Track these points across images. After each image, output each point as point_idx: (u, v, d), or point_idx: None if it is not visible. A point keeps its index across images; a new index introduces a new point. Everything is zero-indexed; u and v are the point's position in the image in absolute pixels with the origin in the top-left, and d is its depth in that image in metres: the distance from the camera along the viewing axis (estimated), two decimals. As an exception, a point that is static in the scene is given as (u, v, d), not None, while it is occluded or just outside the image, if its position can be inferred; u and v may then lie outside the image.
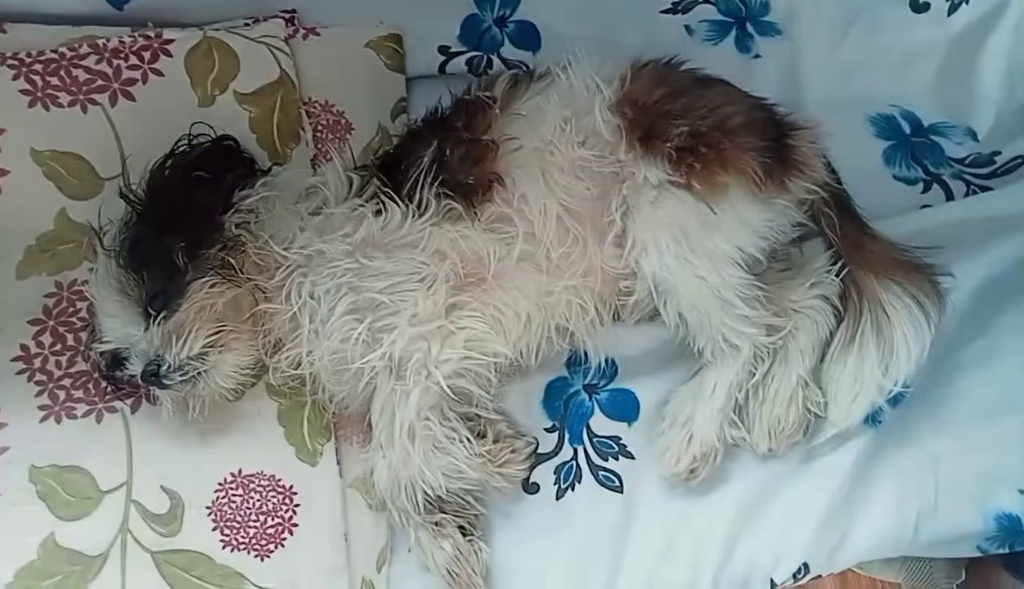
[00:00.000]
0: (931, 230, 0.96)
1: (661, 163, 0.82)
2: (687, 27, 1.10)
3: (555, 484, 0.90)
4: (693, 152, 0.82)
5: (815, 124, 0.88)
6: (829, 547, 0.88)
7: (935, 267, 0.88)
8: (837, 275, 0.88)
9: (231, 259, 0.82)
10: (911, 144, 1.07)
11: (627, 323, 0.92)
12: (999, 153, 1.05)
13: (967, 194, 1.04)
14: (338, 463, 0.89)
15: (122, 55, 0.94)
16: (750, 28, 1.10)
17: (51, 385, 0.86)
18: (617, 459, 0.91)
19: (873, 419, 0.88)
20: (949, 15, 1.07)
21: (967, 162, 1.06)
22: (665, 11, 1.10)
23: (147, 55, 0.95)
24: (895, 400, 0.87)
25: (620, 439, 0.92)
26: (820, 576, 0.89)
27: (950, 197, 1.05)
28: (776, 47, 1.10)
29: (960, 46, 1.07)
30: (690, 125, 0.82)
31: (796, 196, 0.86)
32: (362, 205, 0.83)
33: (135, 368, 0.80)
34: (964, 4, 1.06)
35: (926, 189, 1.05)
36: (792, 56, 1.09)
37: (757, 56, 1.10)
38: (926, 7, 1.07)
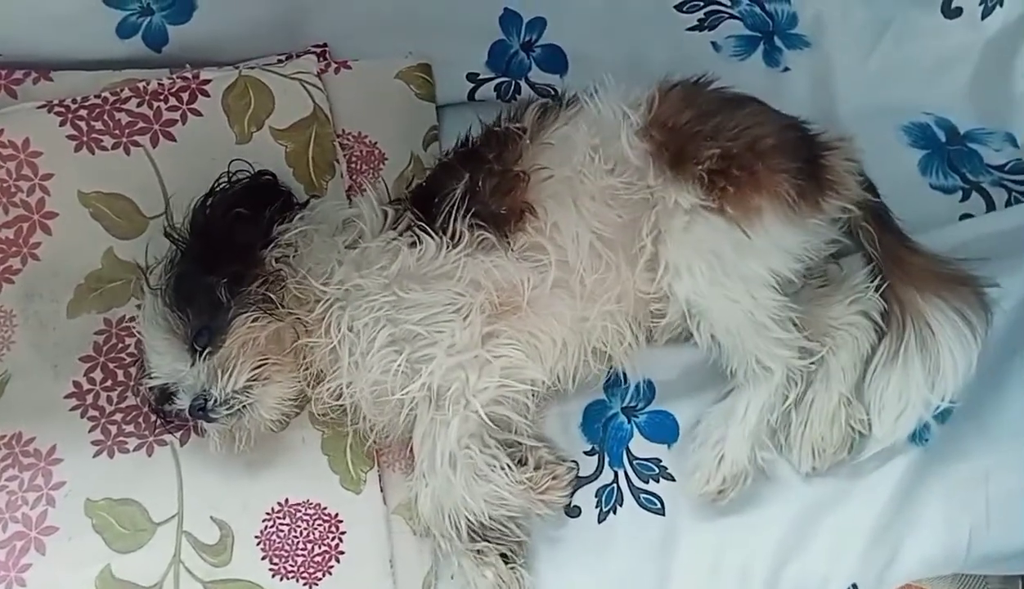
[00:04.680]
0: (973, 242, 0.94)
1: (692, 187, 0.82)
2: (714, 44, 1.10)
3: (596, 507, 0.90)
4: (725, 175, 0.81)
5: (849, 140, 0.87)
6: (878, 567, 0.86)
7: (980, 279, 0.86)
8: (877, 290, 0.87)
9: (272, 294, 0.84)
10: (947, 152, 1.05)
11: (659, 344, 0.91)
12: (1040, 159, 1.04)
13: (1008, 201, 1.02)
14: (381, 490, 0.90)
15: (162, 97, 0.97)
16: (778, 42, 1.10)
17: (103, 420, 0.89)
18: (658, 481, 0.91)
19: (920, 436, 0.87)
20: (983, 19, 1.05)
21: (1007, 169, 1.04)
22: (691, 28, 1.10)
23: (185, 96, 0.98)
24: (942, 416, 0.86)
25: (660, 461, 0.91)
26: (871, 596, 0.88)
27: (991, 205, 1.03)
28: (805, 60, 1.09)
29: (995, 50, 1.05)
30: (721, 147, 0.82)
31: (831, 215, 0.85)
32: (397, 238, 0.85)
33: (183, 403, 0.82)
34: (998, 7, 1.05)
35: (965, 197, 1.04)
36: (822, 68, 1.09)
37: (786, 69, 1.09)
38: (958, 12, 1.06)
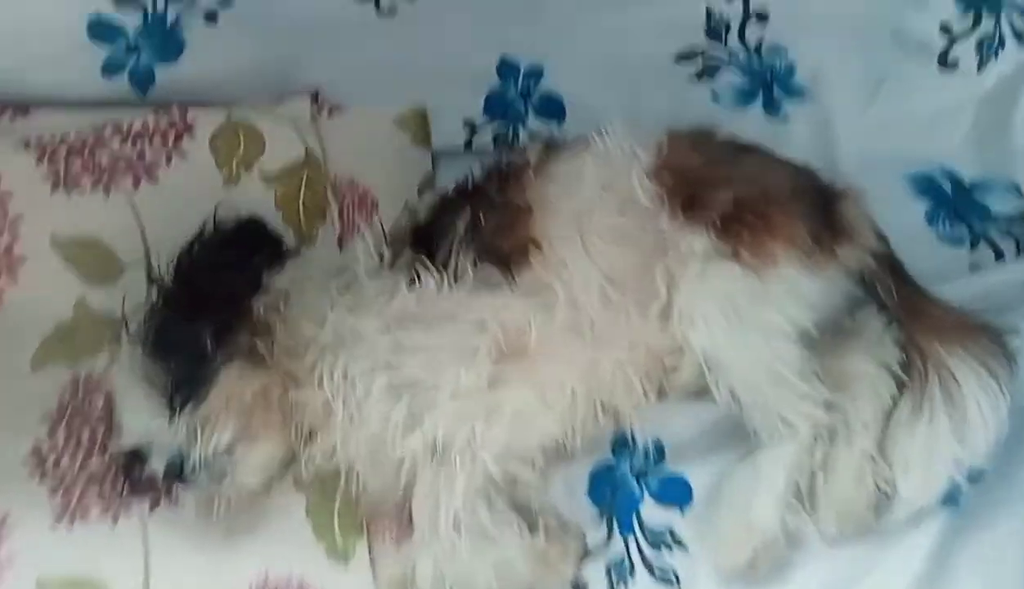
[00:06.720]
0: (986, 293, 0.92)
1: (706, 232, 0.79)
2: (714, 92, 1.09)
3: (608, 584, 0.82)
4: (739, 220, 0.79)
5: (859, 189, 0.85)
6: (911, 642, 0.80)
7: (999, 326, 0.83)
8: (895, 341, 0.83)
9: (260, 344, 0.79)
10: (953, 203, 1.04)
11: (673, 400, 0.86)
12: (1046, 208, 1.03)
13: (1018, 252, 1.01)
14: (371, 563, 0.83)
15: (145, 137, 0.94)
16: (777, 92, 1.10)
17: (64, 485, 0.81)
18: (671, 550, 0.84)
19: (952, 499, 0.82)
20: (979, 71, 1.06)
21: (1014, 219, 1.03)
22: (690, 78, 1.09)
23: (171, 136, 0.94)
24: (974, 476, 0.81)
25: (673, 529, 0.84)
26: (903, 675, 0.81)
27: (999, 255, 1.01)
28: (805, 109, 1.09)
29: (993, 102, 1.06)
30: (734, 192, 0.80)
31: (846, 264, 0.82)
32: (394, 277, 0.80)
33: (157, 464, 0.75)
34: (993, 60, 1.06)
35: (973, 247, 1.02)
36: (822, 118, 1.08)
37: (786, 119, 1.09)
38: (955, 65, 1.07)
